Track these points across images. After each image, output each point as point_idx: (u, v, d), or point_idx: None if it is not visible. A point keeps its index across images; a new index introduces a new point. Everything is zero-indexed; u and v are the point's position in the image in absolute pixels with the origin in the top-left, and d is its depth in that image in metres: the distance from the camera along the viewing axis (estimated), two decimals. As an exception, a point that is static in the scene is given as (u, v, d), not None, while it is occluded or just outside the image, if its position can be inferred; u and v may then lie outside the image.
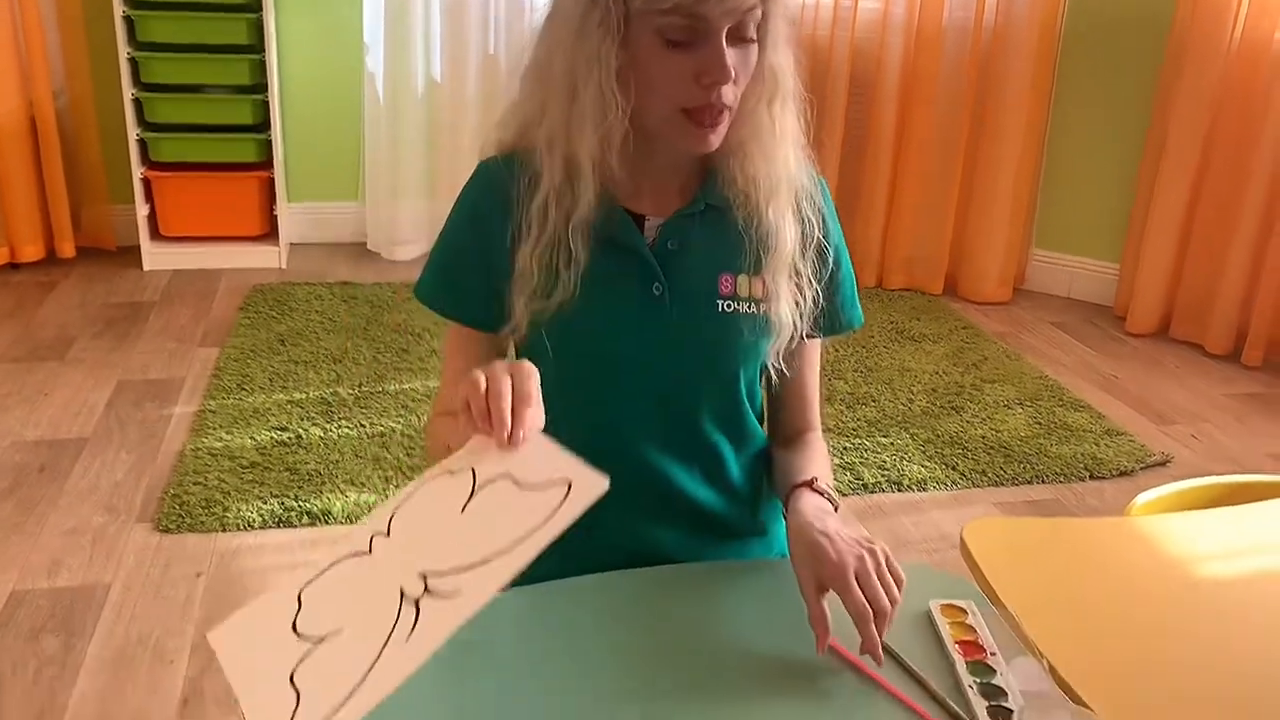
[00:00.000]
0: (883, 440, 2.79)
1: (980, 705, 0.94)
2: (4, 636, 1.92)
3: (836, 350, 3.27)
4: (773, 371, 1.19)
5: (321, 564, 0.88)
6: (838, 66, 3.79)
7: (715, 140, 1.08)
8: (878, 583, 0.96)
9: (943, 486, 2.60)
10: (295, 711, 0.77)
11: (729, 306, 1.14)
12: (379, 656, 0.78)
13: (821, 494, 1.11)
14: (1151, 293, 3.63)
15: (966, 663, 0.99)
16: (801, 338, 1.19)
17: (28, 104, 3.54)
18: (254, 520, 2.30)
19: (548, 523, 0.81)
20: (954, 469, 2.67)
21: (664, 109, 1.06)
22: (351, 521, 2.32)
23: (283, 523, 2.31)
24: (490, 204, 1.13)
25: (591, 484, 0.83)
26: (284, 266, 3.84)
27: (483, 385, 0.88)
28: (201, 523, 2.29)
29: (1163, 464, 2.77)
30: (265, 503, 2.36)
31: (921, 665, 0.99)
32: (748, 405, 1.22)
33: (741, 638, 1.01)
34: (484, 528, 0.83)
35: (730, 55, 1.03)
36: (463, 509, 0.86)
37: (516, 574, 0.79)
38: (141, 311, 3.41)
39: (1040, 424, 2.93)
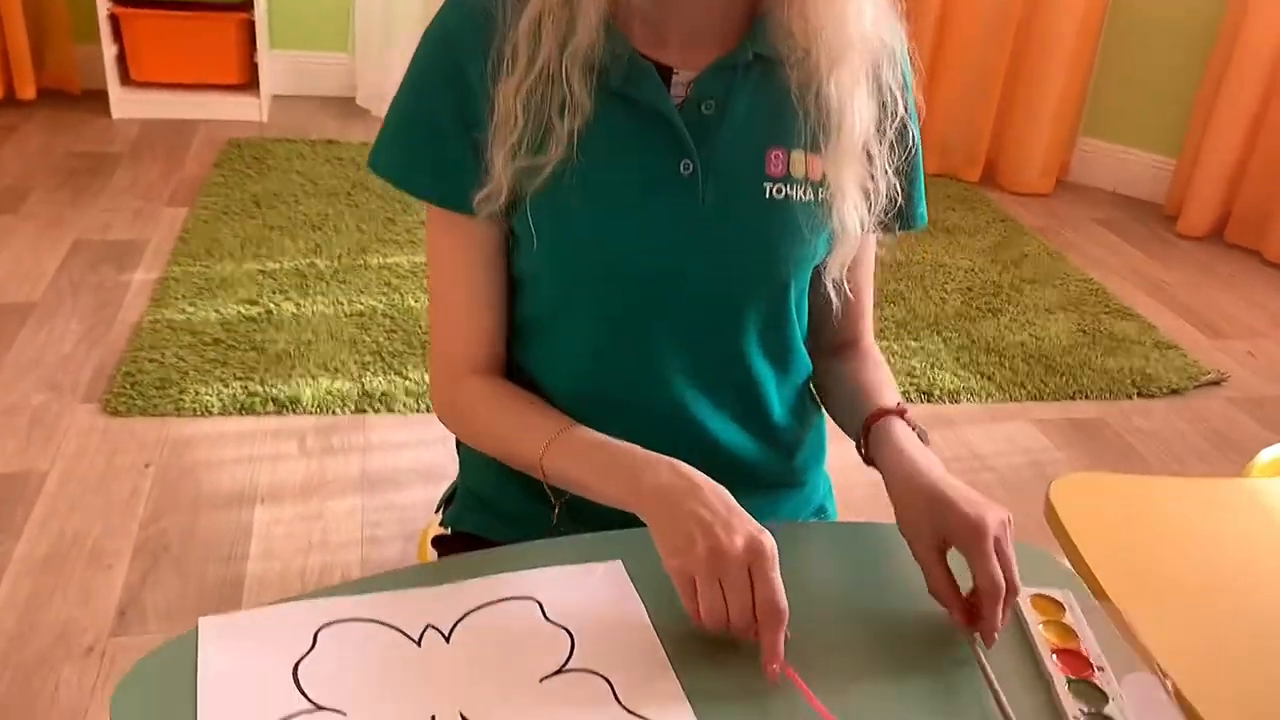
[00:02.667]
0: (912, 344, 2.54)
1: None
2: (-77, 528, 1.71)
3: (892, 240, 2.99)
4: (830, 285, 0.93)
5: (354, 608, 0.76)
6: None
7: None
8: (1014, 554, 0.79)
9: (977, 398, 2.36)
10: None
11: (779, 191, 0.88)
12: None
13: (914, 429, 0.89)
14: (1209, 191, 3.33)
15: (1069, 681, 0.76)
16: (871, 228, 0.93)
17: (-21, -76, 3.17)
18: (213, 405, 2.06)
19: None
20: (990, 380, 2.43)
21: None
22: (321, 412, 2.09)
23: (245, 409, 2.07)
24: (468, 34, 0.85)
25: None
26: (264, 120, 3.52)
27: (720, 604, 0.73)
28: (155, 405, 2.05)
29: (1217, 383, 2.52)
30: (227, 385, 2.12)
31: (1002, 676, 0.76)
32: (796, 323, 0.96)
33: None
34: (556, 717, 0.69)
35: None
36: (542, 679, 0.72)
37: None
38: (106, 164, 3.11)
39: (1084, 332, 2.67)
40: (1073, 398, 2.40)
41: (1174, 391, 2.47)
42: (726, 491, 0.78)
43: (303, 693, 0.69)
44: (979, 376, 2.43)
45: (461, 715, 0.68)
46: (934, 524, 0.81)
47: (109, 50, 3.34)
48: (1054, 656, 0.78)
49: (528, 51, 0.82)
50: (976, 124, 3.59)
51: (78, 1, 3.36)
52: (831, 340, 1.04)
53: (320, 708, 0.68)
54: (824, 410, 1.06)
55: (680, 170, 0.86)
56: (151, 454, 1.93)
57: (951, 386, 2.38)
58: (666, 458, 0.82)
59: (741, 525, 0.75)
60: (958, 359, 2.49)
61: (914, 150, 0.95)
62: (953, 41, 3.52)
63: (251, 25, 3.43)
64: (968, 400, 2.36)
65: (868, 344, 1.05)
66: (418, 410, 2.12)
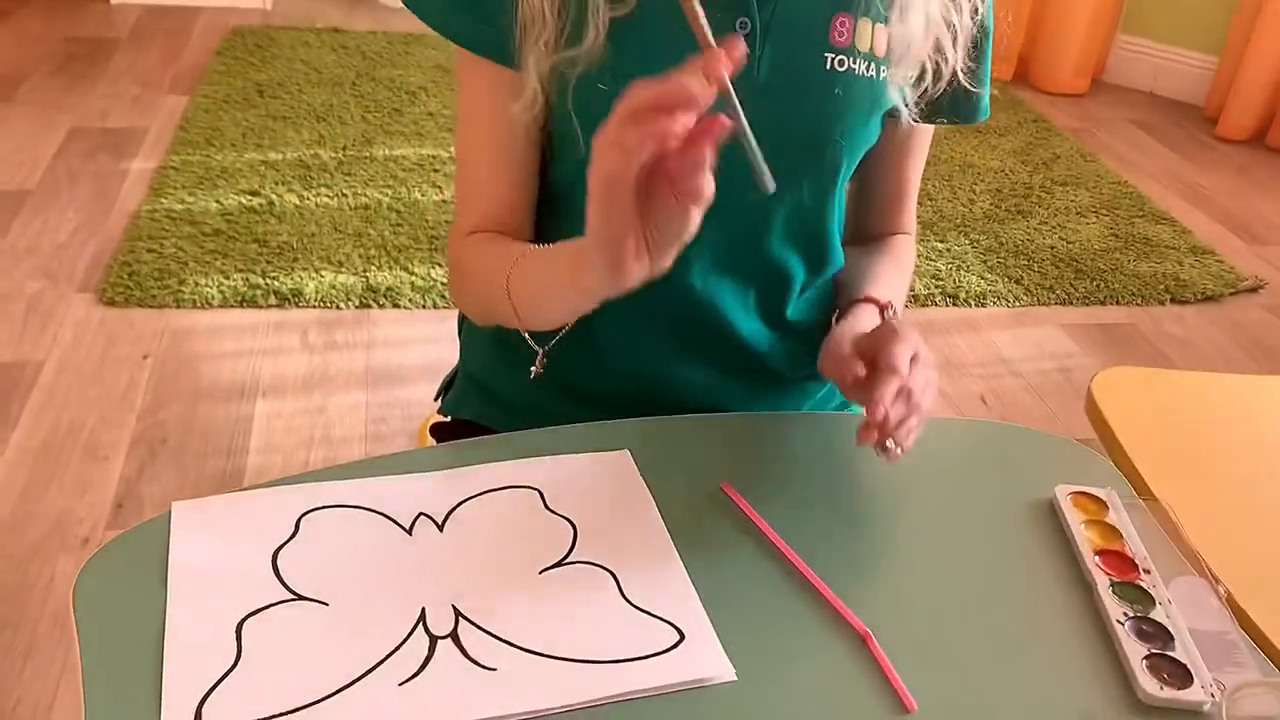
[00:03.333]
0: (938, 245, 2.45)
1: (1137, 653, 0.64)
2: (-84, 417, 1.66)
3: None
4: (901, 107, 0.84)
5: (340, 492, 0.70)
6: None
7: None
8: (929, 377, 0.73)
9: (1004, 303, 2.28)
10: (227, 674, 0.58)
11: (841, 63, 0.79)
12: (350, 684, 0.58)
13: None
14: (1251, 92, 3.18)
15: (1113, 584, 0.70)
16: (928, 114, 0.85)
17: None
18: (213, 297, 2.00)
19: (628, 668, 0.60)
20: (1018, 283, 2.34)
21: None
22: (325, 306, 2.02)
23: (246, 301, 2.01)
24: None
25: (709, 662, 0.61)
26: (268, 8, 3.39)
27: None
28: (153, 296, 1.99)
29: (1254, 290, 2.43)
30: (228, 278, 2.05)
31: (1042, 578, 0.69)
32: (834, 215, 0.88)
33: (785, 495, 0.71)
34: (556, 614, 0.64)
35: None
36: (541, 571, 0.66)
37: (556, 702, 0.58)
38: (105, 49, 3.00)
39: (1116, 236, 2.57)
40: (1103, 303, 2.31)
41: (1208, 298, 2.38)
42: None
43: (282, 582, 0.64)
44: (1006, 280, 2.34)
45: (454, 607, 0.63)
46: (853, 340, 0.76)
47: (106, -69, 3.21)
48: (1097, 558, 0.71)
49: None
50: (1009, 20, 3.42)
51: (72, -122, 3.22)
52: (868, 230, 0.96)
53: (300, 598, 0.63)
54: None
55: (736, 28, 0.77)
56: (149, 345, 1.87)
57: (978, 290, 2.29)
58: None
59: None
60: (985, 261, 2.40)
61: (985, 34, 0.85)
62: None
63: (253, -95, 3.29)
64: (994, 304, 2.27)
65: (904, 239, 0.97)
66: (423, 306, 2.05)
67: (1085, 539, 0.73)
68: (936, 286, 2.29)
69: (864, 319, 0.83)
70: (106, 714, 0.56)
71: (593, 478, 0.74)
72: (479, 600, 0.64)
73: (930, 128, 0.90)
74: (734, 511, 0.73)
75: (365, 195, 2.38)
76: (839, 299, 0.91)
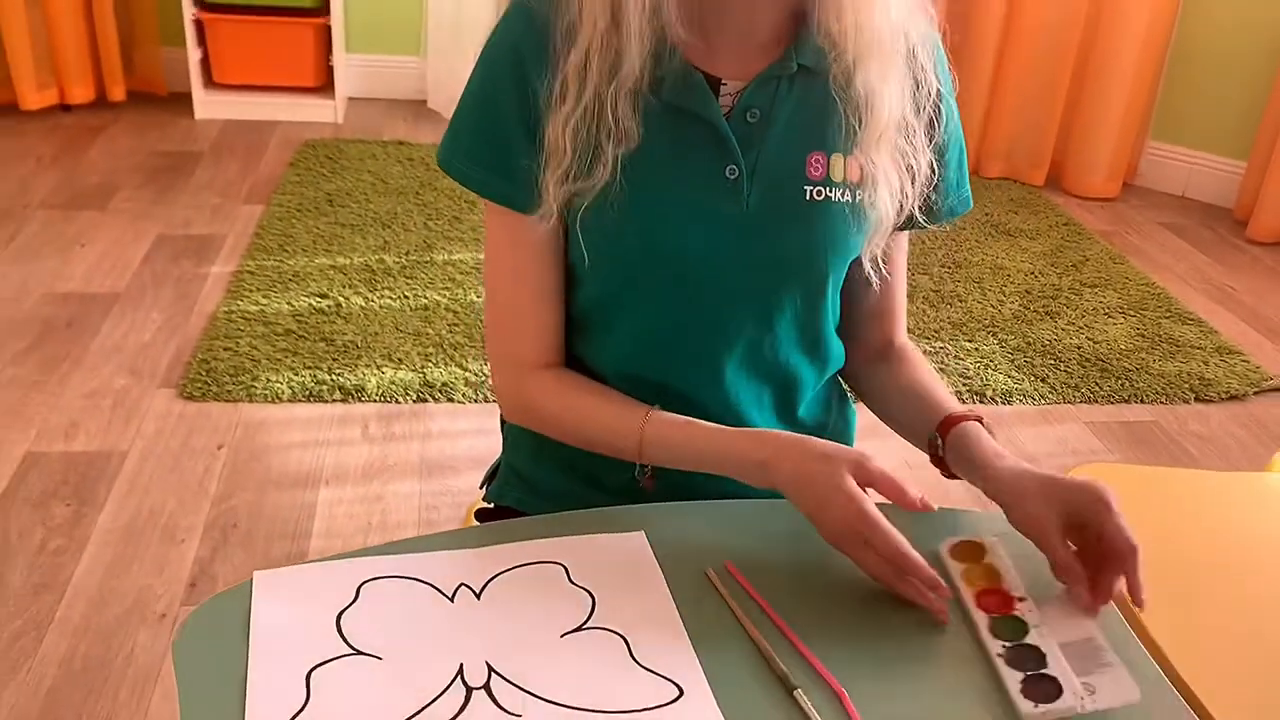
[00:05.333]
0: (967, 345, 2.55)
1: (1014, 680, 0.74)
2: (14, 501, 1.82)
3: (922, 242, 3.00)
4: (869, 270, 0.97)
5: (393, 565, 0.82)
6: (948, -76, 3.40)
7: None
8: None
9: (1030, 400, 2.37)
10: (297, 714, 0.70)
11: (819, 193, 0.92)
12: None
13: (990, 432, 0.93)
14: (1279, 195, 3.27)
15: (991, 621, 0.79)
16: (906, 223, 0.97)
17: (75, -67, 3.34)
18: (283, 392, 2.16)
19: (634, 718, 0.72)
20: (1044, 381, 2.43)
21: None
22: (384, 400, 2.17)
23: (313, 396, 2.17)
24: (533, 53, 0.89)
25: (704, 715, 0.72)
26: (339, 121, 3.64)
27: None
28: (228, 391, 2.16)
29: (1279, 390, 2.49)
30: (297, 374, 2.22)
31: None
32: (830, 315, 1.00)
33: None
34: (574, 671, 0.75)
35: None
36: (563, 635, 0.78)
37: None
38: (189, 162, 3.25)
39: (1143, 336, 2.66)
40: (1127, 400, 2.39)
41: (1233, 397, 2.45)
42: (815, 444, 0.86)
43: (344, 639, 0.76)
44: (1033, 378, 2.44)
45: (487, 663, 0.74)
46: (1058, 508, 0.82)
47: (193, 54, 3.49)
48: (975, 601, 0.81)
49: (576, 85, 0.87)
50: (1041, 126, 3.56)
51: (165, 7, 3.52)
52: (871, 342, 1.07)
53: (359, 652, 0.75)
54: (856, 404, 1.11)
55: (726, 174, 0.91)
56: (224, 436, 2.03)
57: (1005, 387, 2.39)
58: (754, 440, 0.90)
59: (833, 498, 0.82)
60: (1012, 360, 2.50)
61: (951, 127, 0.98)
62: (1018, 43, 3.51)
63: (328, 30, 3.56)
64: (1020, 401, 2.36)
65: (903, 341, 1.08)
66: (475, 400, 2.20)
67: (964, 585, 0.83)
68: (964, 384, 2.39)
69: (985, 440, 0.92)
70: (201, 742, 0.68)
71: (611, 555, 0.85)
72: (509, 658, 0.75)
73: (904, 236, 1.03)
74: (735, 588, 0.84)
75: (425, 297, 2.56)
76: (914, 423, 0.99)
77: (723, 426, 0.91)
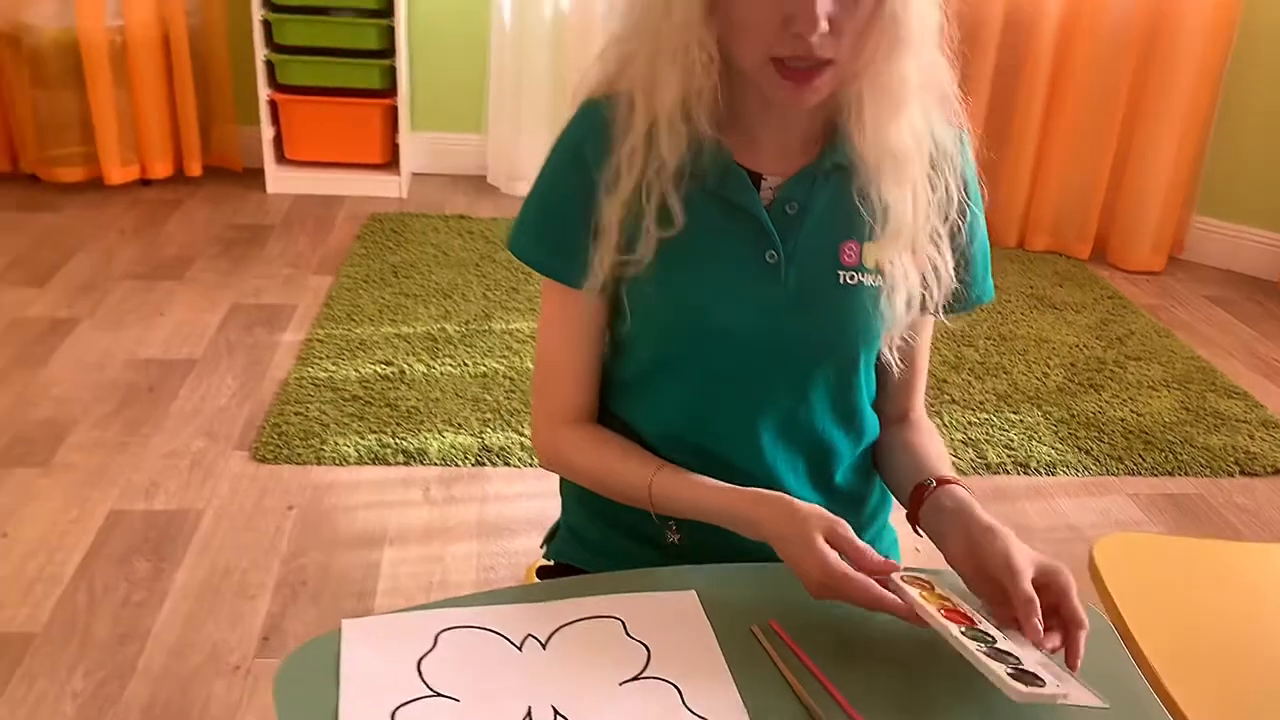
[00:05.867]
0: (1012, 416, 2.60)
1: (1002, 670, 0.80)
2: (100, 556, 1.93)
3: (968, 315, 3.06)
4: (894, 354, 1.05)
5: (468, 615, 0.90)
6: (990, 3, 3.52)
7: (811, 96, 0.93)
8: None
9: (1074, 472, 2.41)
10: None
11: (852, 278, 1.01)
12: None
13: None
14: (1327, 271, 3.30)
15: (962, 630, 0.85)
16: (932, 312, 1.05)
17: (162, 21, 3.55)
18: (350, 455, 2.27)
19: None
20: (1088, 454, 2.47)
21: (753, 56, 0.93)
22: (445, 464, 2.27)
23: (378, 459, 2.27)
24: (595, 148, 1.01)
25: None
26: (404, 196, 3.81)
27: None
28: (298, 454, 2.27)
29: (1326, 463, 2.51)
30: (363, 438, 2.33)
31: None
32: (865, 392, 1.08)
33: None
34: (631, 715, 0.81)
35: (827, 2, 0.88)
36: (621, 683, 0.85)
37: None
38: (261, 235, 3.42)
39: (1188, 409, 2.69)
40: (1171, 473, 2.42)
41: (1278, 471, 2.46)
42: (795, 507, 0.93)
43: (424, 682, 0.84)
44: (1077, 450, 2.48)
45: (553, 707, 0.82)
46: (1033, 563, 0.89)
47: (267, 132, 3.69)
48: (942, 612, 0.87)
49: (630, 174, 0.98)
50: (1086, 200, 3.63)
51: (242, 88, 3.72)
52: (890, 412, 1.16)
53: (438, 694, 0.83)
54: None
55: (766, 259, 1.01)
56: (294, 498, 2.14)
57: (1049, 459, 2.43)
58: (750, 500, 0.97)
59: (805, 557, 0.89)
60: (1056, 432, 2.54)
61: (976, 235, 1.06)
62: (1062, 118, 3.59)
63: (394, 110, 3.74)
64: (1064, 473, 2.40)
65: (918, 415, 1.16)
66: (532, 464, 2.29)
67: (925, 604, 0.88)
68: (1009, 455, 2.43)
69: (965, 496, 0.98)
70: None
71: (665, 612, 0.93)
72: (572, 702, 0.83)
73: (931, 321, 1.10)
74: (780, 645, 0.91)
75: (484, 364, 2.67)
76: (903, 481, 1.06)
77: (725, 485, 1.00)
